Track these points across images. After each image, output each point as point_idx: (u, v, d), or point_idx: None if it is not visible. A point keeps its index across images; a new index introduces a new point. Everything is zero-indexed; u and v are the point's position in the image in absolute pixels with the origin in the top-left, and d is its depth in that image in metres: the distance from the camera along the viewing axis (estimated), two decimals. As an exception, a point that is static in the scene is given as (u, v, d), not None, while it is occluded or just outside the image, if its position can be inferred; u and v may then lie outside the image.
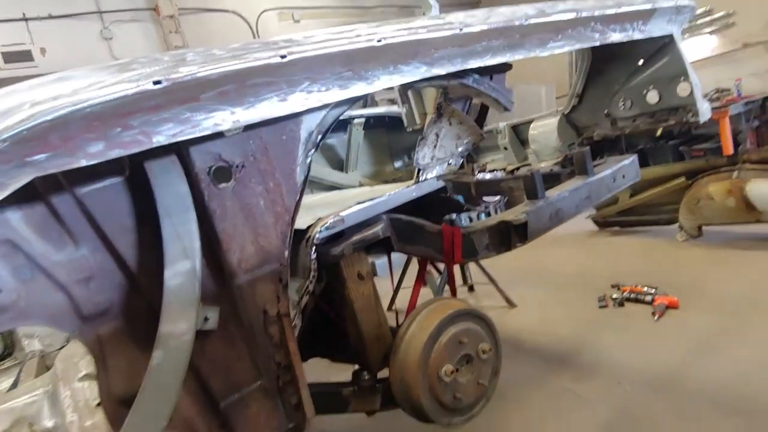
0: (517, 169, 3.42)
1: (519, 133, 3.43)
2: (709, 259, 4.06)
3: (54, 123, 0.79)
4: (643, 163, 5.97)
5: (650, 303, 3.43)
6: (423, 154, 1.86)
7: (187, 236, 1.01)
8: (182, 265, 1.00)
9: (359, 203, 1.70)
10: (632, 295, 3.59)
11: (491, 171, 3.42)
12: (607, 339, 3.15)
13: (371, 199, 1.75)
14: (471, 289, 4.55)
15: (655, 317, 3.24)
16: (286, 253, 1.18)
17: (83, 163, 0.84)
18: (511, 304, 4.03)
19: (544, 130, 3.06)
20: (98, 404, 1.06)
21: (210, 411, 1.09)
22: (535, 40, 1.60)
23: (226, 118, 0.99)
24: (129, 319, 1.05)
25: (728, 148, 5.44)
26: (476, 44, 1.42)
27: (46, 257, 0.97)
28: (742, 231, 4.21)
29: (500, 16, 1.48)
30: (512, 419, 2.51)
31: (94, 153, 0.85)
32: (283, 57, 1.02)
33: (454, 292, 2.14)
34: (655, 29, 2.15)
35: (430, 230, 2.00)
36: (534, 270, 4.60)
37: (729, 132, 5.62)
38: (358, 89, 1.20)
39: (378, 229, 1.76)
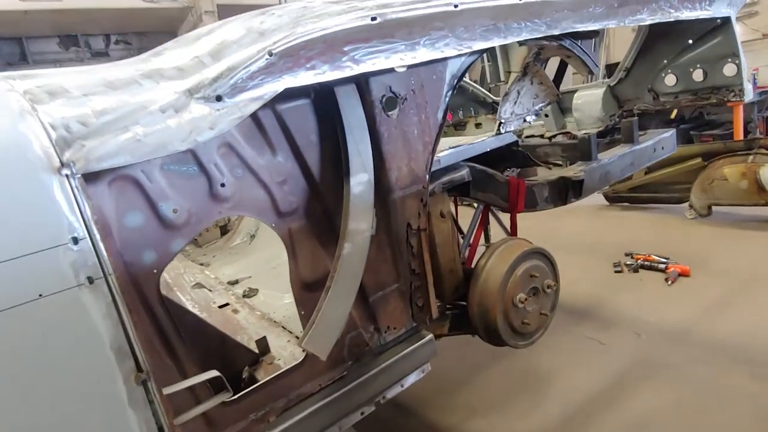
0: (555, 136, 3.63)
1: (560, 102, 3.62)
2: (717, 236, 4.35)
3: (303, 44, 0.98)
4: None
5: (663, 270, 3.72)
6: (505, 109, 2.06)
7: (365, 152, 1.21)
8: (362, 177, 1.21)
9: (451, 147, 1.90)
10: (646, 263, 3.87)
11: (528, 137, 3.63)
12: (625, 299, 3.44)
13: (460, 145, 1.95)
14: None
15: (669, 282, 3.54)
16: (428, 177, 1.38)
17: (316, 80, 1.03)
18: (530, 264, 4.30)
19: (589, 100, 3.25)
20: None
21: (363, 303, 1.32)
22: (627, 11, 1.78)
23: (407, 55, 1.18)
24: (311, 218, 1.25)
25: (739, 136, 5.68)
26: (584, 10, 1.60)
27: (253, 160, 1.17)
28: (749, 213, 4.50)
29: (605, -14, 1.66)
30: (542, 361, 2.80)
31: (321, 71, 1.04)
32: (455, 6, 1.20)
33: (515, 234, 2.36)
34: (717, 10, 2.34)
35: (499, 180, 2.22)
36: (550, 236, 4.82)
37: (741, 120, 5.86)
38: (495, 41, 1.38)
39: (464, 172, 1.98)
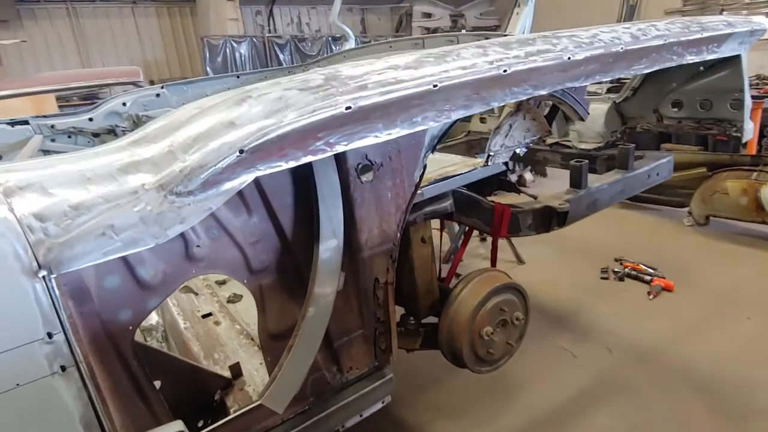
0: (557, 144, 3.63)
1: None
2: (709, 249, 4.39)
3: (276, 138, 1.03)
4: (667, 139, 6.14)
5: (648, 282, 3.79)
6: (495, 142, 2.08)
7: (336, 219, 1.28)
8: (331, 242, 1.28)
9: (437, 181, 1.95)
10: (633, 272, 3.95)
11: (529, 139, 3.63)
12: (604, 309, 3.54)
13: (447, 178, 2.00)
14: (484, 240, 4.90)
15: (650, 296, 3.62)
16: (399, 235, 1.45)
17: (286, 166, 1.08)
18: (520, 260, 4.40)
19: (593, 114, 3.21)
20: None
21: (327, 348, 1.43)
22: (623, 64, 1.77)
23: (383, 133, 1.21)
24: (282, 275, 1.34)
25: (752, 145, 5.58)
26: (576, 69, 1.60)
27: (228, 221, 1.24)
28: (747, 228, 4.51)
29: (600, 42, 1.65)
30: (515, 368, 2.93)
31: (295, 158, 1.09)
32: (435, 86, 1.22)
33: (494, 263, 2.44)
34: (727, 50, 2.29)
35: (484, 205, 2.27)
36: (545, 231, 4.94)
37: (758, 125, 5.73)
38: (477, 108, 1.41)
39: (447, 204, 2.05)
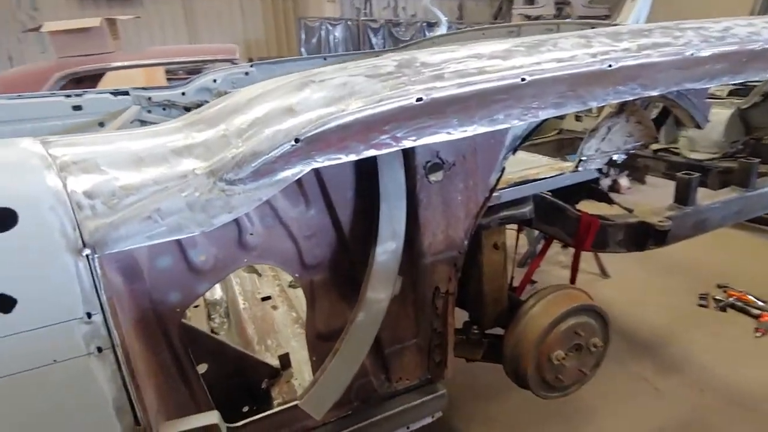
0: (664, 150, 3.24)
1: (677, 113, 3.18)
2: (838, 287, 3.75)
3: (336, 128, 0.93)
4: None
5: (756, 317, 3.31)
6: (589, 146, 1.85)
7: (397, 220, 1.17)
8: (390, 245, 1.18)
9: (517, 184, 1.78)
10: (738, 303, 3.47)
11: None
12: (699, 341, 3.14)
13: (529, 181, 1.81)
14: (566, 246, 4.56)
15: (758, 334, 3.16)
16: (466, 243, 1.32)
17: (345, 159, 0.99)
18: (604, 274, 4.04)
19: (711, 120, 2.81)
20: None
21: (376, 353, 1.34)
22: (759, 65, 1.48)
23: (457, 129, 1.08)
24: (335, 272, 1.26)
25: None
26: (700, 68, 1.35)
27: (285, 212, 1.18)
28: None
29: (734, 38, 1.38)
30: (588, 392, 2.67)
31: (356, 152, 0.99)
32: (523, 80, 1.07)
33: (574, 279, 2.22)
34: None
35: (569, 215, 2.05)
36: (637, 244, 4.49)
37: None
38: (570, 107, 1.22)
39: (526, 210, 1.86)
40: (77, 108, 2.75)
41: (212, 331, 1.86)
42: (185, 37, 12.00)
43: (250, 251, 1.17)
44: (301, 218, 1.20)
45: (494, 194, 1.68)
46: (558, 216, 2.06)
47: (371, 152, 1.00)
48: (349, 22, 11.03)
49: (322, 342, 1.29)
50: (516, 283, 2.30)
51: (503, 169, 1.33)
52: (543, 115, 1.17)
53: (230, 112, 0.97)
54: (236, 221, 1.13)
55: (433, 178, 1.20)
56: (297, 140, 0.89)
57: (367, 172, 1.20)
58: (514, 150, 1.33)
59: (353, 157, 0.99)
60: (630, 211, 2.19)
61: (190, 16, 11.96)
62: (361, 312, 1.16)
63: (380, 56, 1.16)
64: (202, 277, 1.14)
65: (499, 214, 1.81)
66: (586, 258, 4.01)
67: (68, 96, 2.73)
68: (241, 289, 1.94)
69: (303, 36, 10.54)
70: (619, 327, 3.35)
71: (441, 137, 1.05)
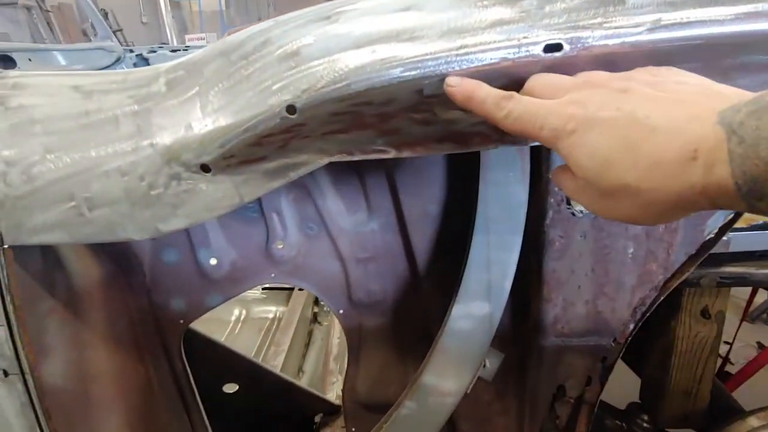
0: None
1: None
2: None
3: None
4: None
5: None
6: None
7: (499, 267, 0.68)
8: (478, 306, 0.69)
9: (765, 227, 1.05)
10: None
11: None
12: None
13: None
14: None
15: None
16: (630, 329, 0.74)
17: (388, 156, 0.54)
18: None
19: None
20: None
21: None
22: None
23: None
24: (398, 319, 0.83)
25: None
26: None
27: (334, 218, 0.78)
28: None
29: None
30: None
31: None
32: None
33: None
34: None
35: None
36: None
37: None
38: None
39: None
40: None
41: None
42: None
43: (278, 264, 0.81)
44: (357, 232, 0.79)
45: (721, 238, 1.01)
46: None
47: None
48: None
49: (363, 411, 0.88)
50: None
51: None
52: None
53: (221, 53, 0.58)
54: (264, 222, 0.78)
55: (579, 208, 0.66)
56: (293, 109, 0.48)
57: (462, 179, 0.72)
58: None
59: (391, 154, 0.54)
60: None
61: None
62: (410, 401, 0.71)
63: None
64: (212, 287, 0.83)
65: (722, 269, 1.12)
66: None
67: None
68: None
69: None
70: None
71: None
